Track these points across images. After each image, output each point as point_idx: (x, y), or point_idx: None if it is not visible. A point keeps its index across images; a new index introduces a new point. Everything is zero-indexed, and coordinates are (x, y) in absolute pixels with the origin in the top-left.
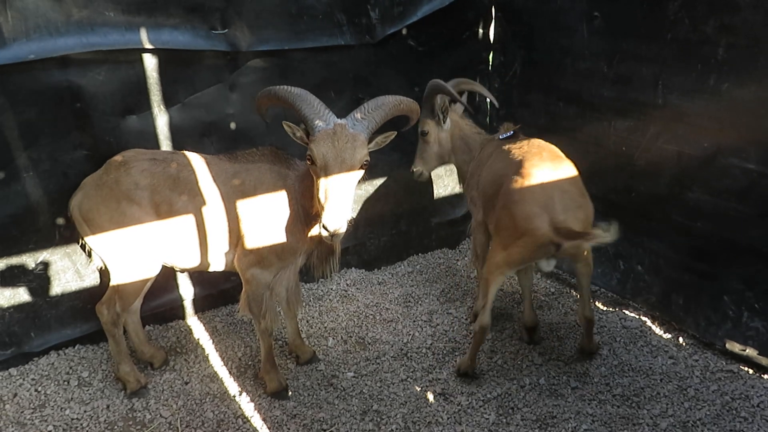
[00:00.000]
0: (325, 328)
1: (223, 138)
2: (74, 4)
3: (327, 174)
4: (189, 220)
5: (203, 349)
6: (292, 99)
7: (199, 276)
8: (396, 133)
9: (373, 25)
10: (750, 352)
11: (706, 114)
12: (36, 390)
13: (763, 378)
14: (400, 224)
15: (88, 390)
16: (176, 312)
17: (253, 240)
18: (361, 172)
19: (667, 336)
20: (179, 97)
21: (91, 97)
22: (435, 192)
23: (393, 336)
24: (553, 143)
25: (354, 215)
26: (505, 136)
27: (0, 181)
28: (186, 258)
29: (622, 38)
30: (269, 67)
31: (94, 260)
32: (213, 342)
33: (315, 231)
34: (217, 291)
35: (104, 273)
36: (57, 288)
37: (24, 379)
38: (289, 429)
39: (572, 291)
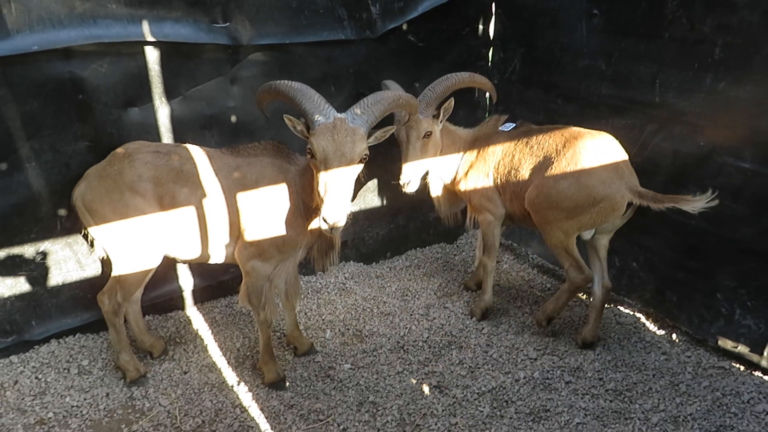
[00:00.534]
0: (323, 320)
1: (224, 131)
2: None
3: (327, 167)
4: (191, 212)
5: (202, 339)
6: (292, 93)
7: (199, 267)
8: (395, 128)
9: (374, 20)
10: (741, 349)
11: (702, 113)
12: (36, 377)
13: (753, 375)
14: (399, 219)
15: (88, 378)
16: (176, 302)
17: (254, 233)
18: (361, 166)
19: (661, 332)
20: (180, 90)
21: (94, 89)
22: None
23: (390, 329)
24: None
25: (353, 209)
26: (511, 127)
27: (2, 171)
28: (188, 249)
29: (621, 37)
30: (270, 61)
31: (96, 250)
32: (212, 332)
33: (315, 224)
34: (217, 282)
35: (105, 263)
36: (58, 277)
37: (25, 367)
38: (286, 419)
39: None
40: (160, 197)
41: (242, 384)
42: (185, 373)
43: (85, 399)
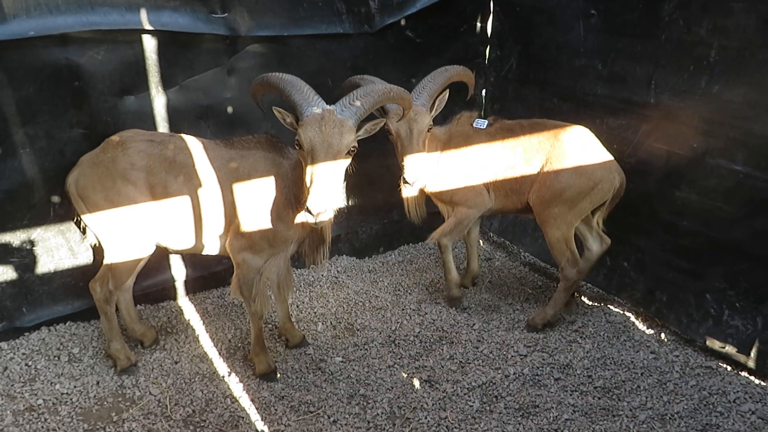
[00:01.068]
0: (315, 313)
1: (220, 121)
2: None
3: (313, 158)
4: (184, 202)
5: (193, 329)
6: (283, 85)
7: (191, 258)
8: (385, 120)
9: (372, 15)
10: (729, 349)
11: (696, 115)
12: (26, 364)
13: (740, 375)
14: (392, 214)
15: (78, 366)
16: (168, 292)
17: (245, 225)
18: (349, 158)
19: (650, 331)
20: (177, 80)
21: (90, 76)
22: None
23: (382, 323)
24: None
25: (345, 203)
26: (485, 124)
27: None
28: (179, 239)
29: (618, 37)
30: (267, 53)
31: (89, 237)
32: (203, 323)
33: (302, 218)
34: (209, 273)
35: (97, 251)
36: (50, 265)
37: (15, 354)
38: (276, 410)
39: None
40: (152, 186)
41: (233, 375)
42: (176, 362)
43: (75, 386)
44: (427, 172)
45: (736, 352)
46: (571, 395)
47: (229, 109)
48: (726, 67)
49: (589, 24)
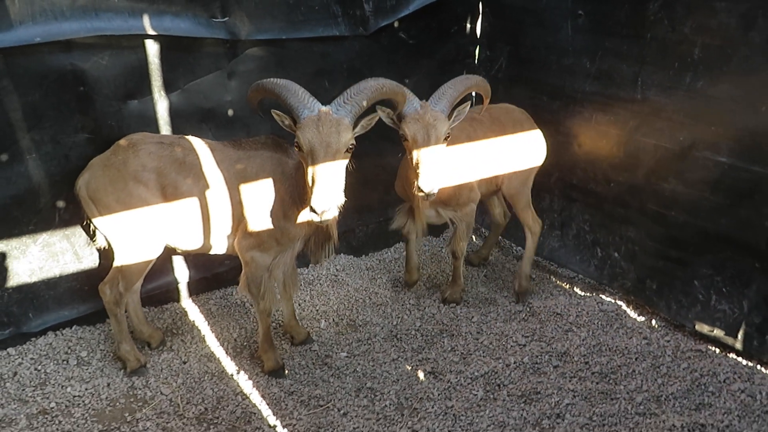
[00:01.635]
0: (317, 311)
1: (221, 124)
2: None
3: (314, 158)
4: (194, 202)
5: (199, 330)
6: (278, 90)
7: (194, 259)
8: (378, 116)
9: (367, 18)
10: (717, 332)
11: (681, 110)
12: (36, 369)
13: (728, 356)
14: (388, 212)
15: (87, 369)
16: (171, 294)
17: (253, 224)
18: (348, 156)
19: (641, 318)
20: (179, 83)
21: (95, 81)
22: None
23: (383, 319)
24: None
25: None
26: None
27: (3, 162)
28: (189, 240)
29: (605, 36)
30: (266, 56)
31: (98, 240)
32: (208, 324)
33: (305, 216)
34: (212, 274)
35: (103, 255)
36: (55, 269)
37: (23, 359)
38: (287, 405)
39: (552, 277)
40: (163, 187)
41: (242, 372)
42: (184, 362)
43: (86, 389)
44: (441, 183)
45: (724, 335)
46: (570, 381)
47: (230, 112)
48: (709, 65)
49: (576, 24)
